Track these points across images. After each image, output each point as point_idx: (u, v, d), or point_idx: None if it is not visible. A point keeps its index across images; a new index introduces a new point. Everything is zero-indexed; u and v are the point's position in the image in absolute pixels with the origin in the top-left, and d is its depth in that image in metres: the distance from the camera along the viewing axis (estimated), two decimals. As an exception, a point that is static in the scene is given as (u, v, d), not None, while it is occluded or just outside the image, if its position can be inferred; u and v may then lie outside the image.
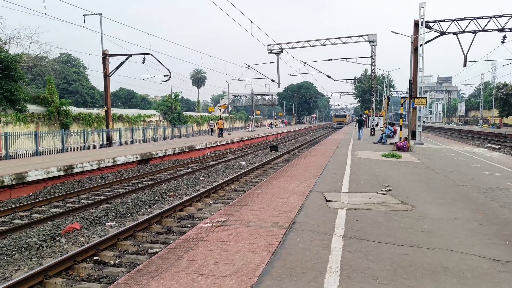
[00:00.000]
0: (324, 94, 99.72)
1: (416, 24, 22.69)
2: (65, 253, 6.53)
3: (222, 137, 31.21)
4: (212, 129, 37.23)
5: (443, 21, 23.46)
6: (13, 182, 11.50)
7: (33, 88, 40.24)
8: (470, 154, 16.49)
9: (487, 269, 3.94)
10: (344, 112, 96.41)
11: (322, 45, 36.21)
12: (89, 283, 5.33)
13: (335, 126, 74.35)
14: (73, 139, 24.50)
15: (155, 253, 6.18)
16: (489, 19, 22.93)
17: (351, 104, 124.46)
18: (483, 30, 23.11)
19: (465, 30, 23.29)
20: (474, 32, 23.27)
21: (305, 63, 35.99)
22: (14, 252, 6.74)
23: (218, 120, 34.04)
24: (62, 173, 13.36)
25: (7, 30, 68.11)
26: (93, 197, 11.37)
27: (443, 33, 23.65)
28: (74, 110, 28.43)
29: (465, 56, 23.96)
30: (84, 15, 23.72)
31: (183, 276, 3.85)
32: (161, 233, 7.58)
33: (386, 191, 7.97)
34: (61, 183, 13.23)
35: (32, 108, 23.97)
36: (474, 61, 31.52)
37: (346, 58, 38.24)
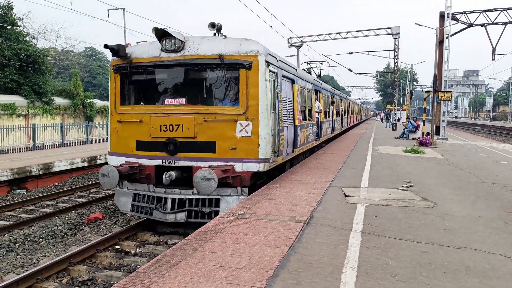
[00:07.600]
0: (345, 87, 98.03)
1: (442, 15, 21.94)
2: (88, 241, 6.75)
3: None
4: None
5: (471, 12, 22.59)
6: (40, 172, 11.92)
7: (59, 81, 41.43)
8: (497, 151, 15.92)
9: (512, 269, 3.81)
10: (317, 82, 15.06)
11: (343, 38, 35.53)
12: (111, 271, 5.49)
13: None
14: (96, 131, 25.11)
15: (174, 243, 6.29)
16: (520, 9, 21.94)
17: (372, 98, 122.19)
18: (514, 22, 22.14)
19: (494, 21, 22.35)
20: (504, 23, 22.30)
21: (326, 56, 35.46)
22: (41, 239, 7.02)
23: None
24: (86, 164, 13.74)
25: (36, 25, 70.25)
26: (116, 188, 11.65)
27: (470, 25, 22.77)
28: (98, 103, 29.08)
29: (493, 49, 23.01)
30: (108, 10, 24.18)
31: (200, 267, 3.91)
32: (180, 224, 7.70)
33: (407, 187, 7.81)
34: (85, 173, 13.63)
35: (58, 100, 24.68)
36: (503, 54, 30.29)
37: (368, 51, 37.47)
